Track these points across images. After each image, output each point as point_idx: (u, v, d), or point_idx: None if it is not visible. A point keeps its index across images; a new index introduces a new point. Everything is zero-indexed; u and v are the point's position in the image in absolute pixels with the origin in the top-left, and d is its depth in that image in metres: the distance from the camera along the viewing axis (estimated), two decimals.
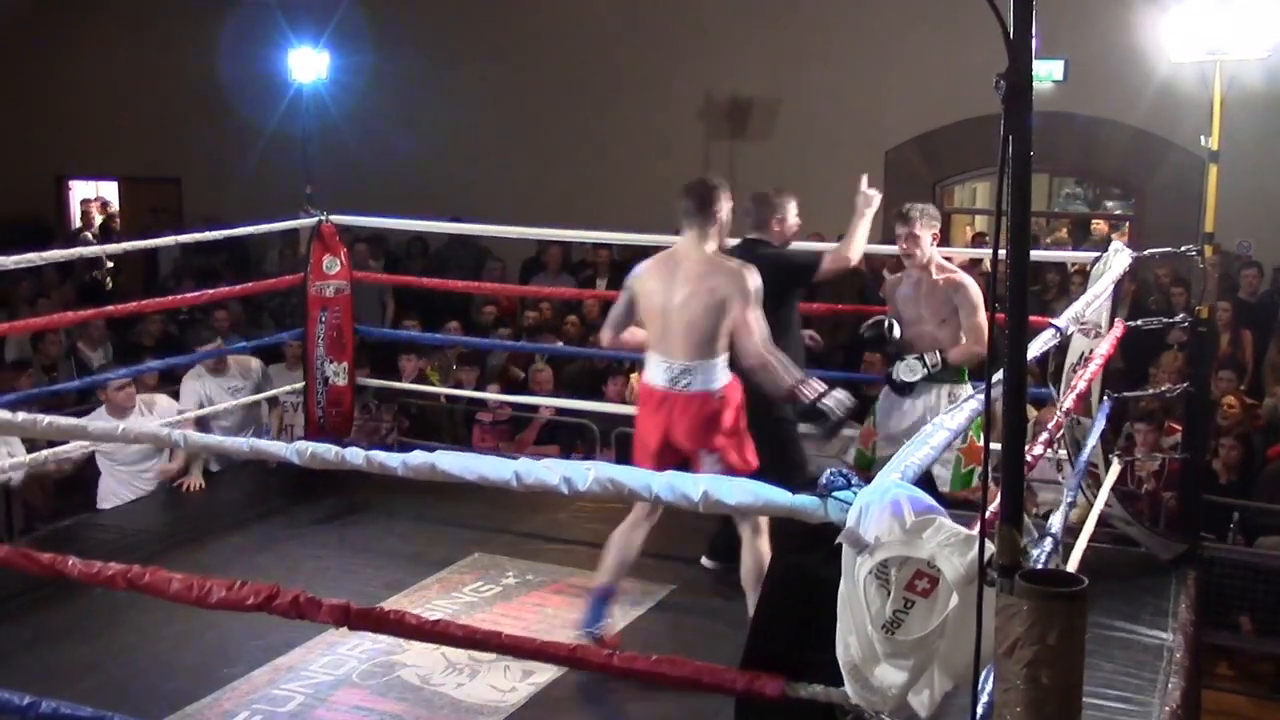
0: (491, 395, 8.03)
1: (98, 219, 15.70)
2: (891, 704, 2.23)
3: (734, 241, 5.10)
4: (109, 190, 16.03)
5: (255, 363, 7.12)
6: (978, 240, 11.16)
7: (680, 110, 12.06)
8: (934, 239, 5.20)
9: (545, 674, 4.30)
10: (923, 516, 2.21)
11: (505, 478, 2.51)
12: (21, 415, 2.88)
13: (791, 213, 5.24)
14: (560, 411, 7.73)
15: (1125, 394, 5.90)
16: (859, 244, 5.28)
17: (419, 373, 8.47)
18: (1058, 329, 3.87)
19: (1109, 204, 13.08)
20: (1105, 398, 5.33)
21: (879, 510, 2.22)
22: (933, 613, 2.18)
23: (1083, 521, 4.76)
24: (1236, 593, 6.61)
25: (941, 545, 2.17)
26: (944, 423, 2.72)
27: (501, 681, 4.31)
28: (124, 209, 15.69)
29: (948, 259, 5.36)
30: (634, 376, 7.89)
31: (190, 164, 14.38)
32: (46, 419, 2.89)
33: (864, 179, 5.38)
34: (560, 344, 8.84)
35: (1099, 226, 12.40)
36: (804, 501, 2.34)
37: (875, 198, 5.31)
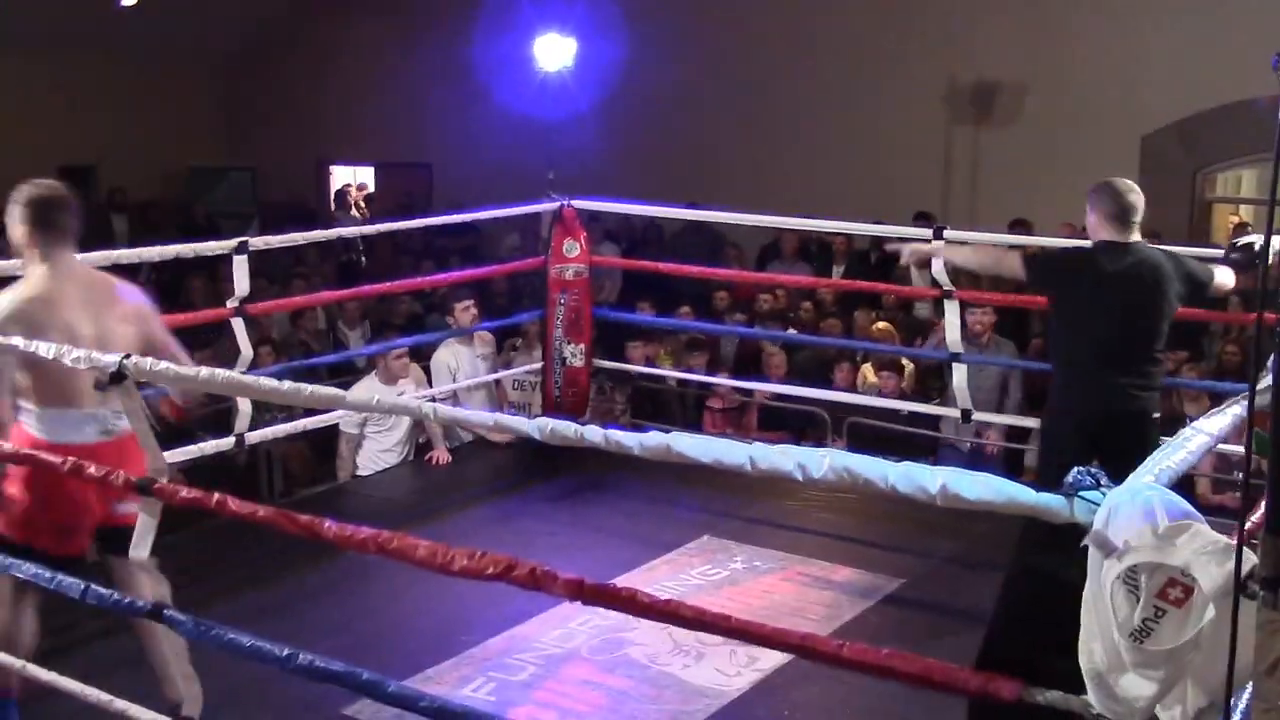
0: (721, 380, 8.06)
1: (356, 202, 16.52)
2: (1139, 716, 2.12)
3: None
4: (366, 175, 16.84)
5: (490, 336, 7.44)
6: (1239, 230, 10.45)
7: (922, 94, 11.76)
8: None
9: (771, 661, 4.30)
10: (1178, 522, 2.10)
11: (740, 461, 2.51)
12: (287, 384, 3.06)
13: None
14: (790, 399, 7.68)
15: None
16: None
17: (647, 359, 8.58)
18: None
19: None
20: None
21: (1130, 512, 2.12)
22: (1186, 624, 2.06)
23: None
24: None
25: (1198, 553, 2.05)
26: (1203, 426, 2.58)
27: (727, 665, 4.34)
28: (379, 193, 16.46)
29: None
30: (865, 367, 7.79)
31: (440, 150, 14.95)
32: (310, 388, 3.06)
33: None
34: (791, 330, 8.78)
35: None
36: (1049, 500, 2.25)
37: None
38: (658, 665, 4.38)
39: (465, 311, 7.11)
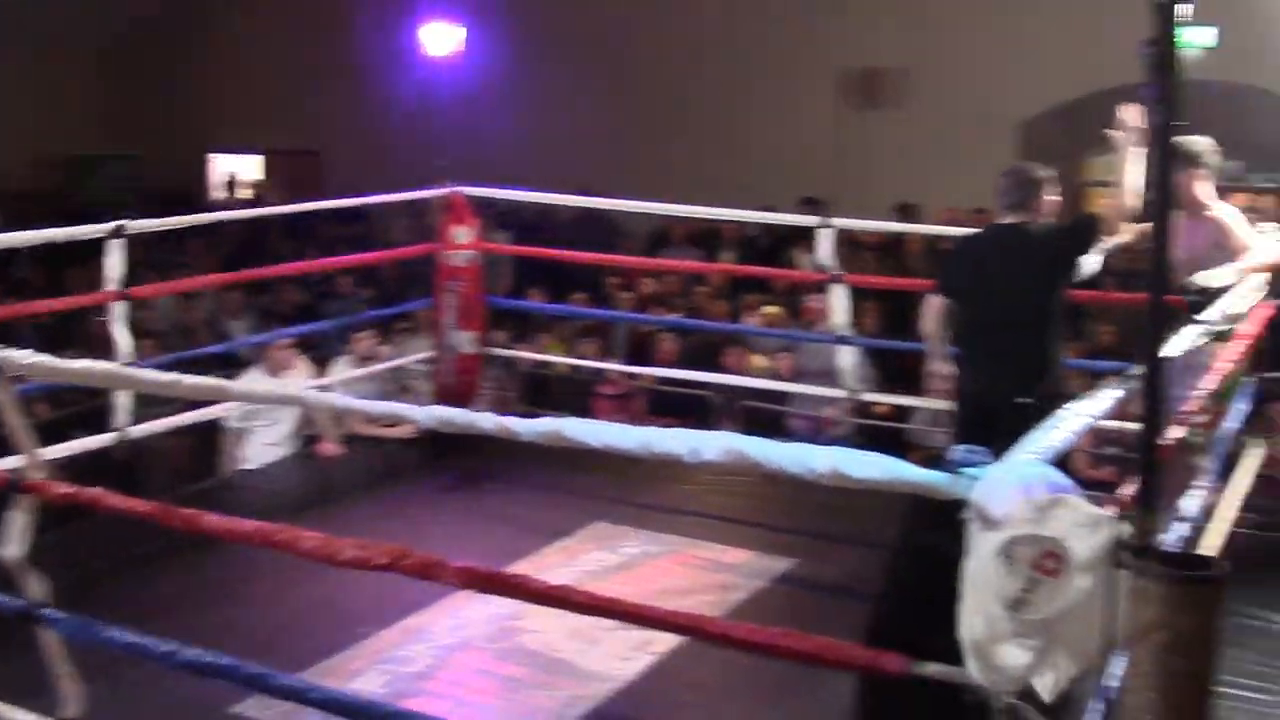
0: (613, 366, 8.08)
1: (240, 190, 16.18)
2: (1015, 685, 2.18)
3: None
4: (252, 163, 16.50)
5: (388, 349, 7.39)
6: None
7: (810, 82, 11.91)
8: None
9: (664, 644, 4.32)
10: (1054, 495, 2.16)
11: (632, 446, 2.51)
12: (170, 376, 2.99)
13: (1052, 191, 4.67)
14: (681, 383, 7.73)
15: (1268, 374, 5.67)
16: (1127, 187, 4.43)
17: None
18: (1208, 323, 3.76)
19: (1260, 176, 12.52)
20: (1248, 380, 5.13)
21: (1009, 487, 2.18)
22: (1060, 593, 2.13)
23: (1222, 506, 4.60)
24: None
25: (1073, 525, 2.11)
26: (1082, 409, 2.66)
27: (621, 650, 4.35)
28: (266, 181, 16.14)
29: None
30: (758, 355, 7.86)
31: (330, 137, 14.72)
32: (191, 379, 2.99)
33: (1129, 108, 4.46)
34: (680, 316, 8.83)
35: (1260, 202, 11.85)
36: (933, 477, 2.30)
37: (1134, 131, 4.42)
38: (552, 652, 4.38)
39: (361, 342, 6.98)
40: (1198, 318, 3.92)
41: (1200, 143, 4.72)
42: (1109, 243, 4.69)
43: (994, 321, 4.53)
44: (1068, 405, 2.82)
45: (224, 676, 2.87)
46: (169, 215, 6.28)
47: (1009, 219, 4.53)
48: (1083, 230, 4.51)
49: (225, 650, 2.93)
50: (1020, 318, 4.47)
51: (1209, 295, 4.42)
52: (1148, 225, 4.89)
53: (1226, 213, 4.85)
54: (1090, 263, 4.62)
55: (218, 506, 2.97)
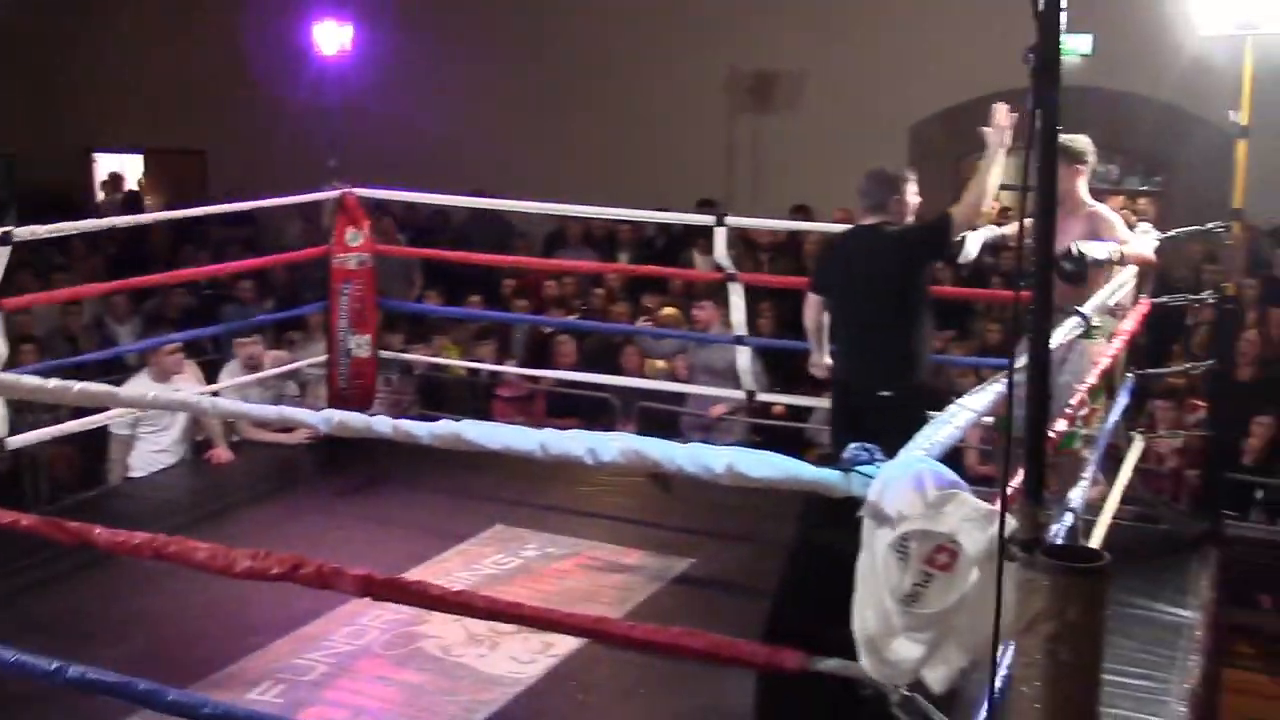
0: (511, 369, 8.05)
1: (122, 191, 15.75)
2: (906, 678, 2.23)
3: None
4: (135, 163, 16.07)
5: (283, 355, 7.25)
6: (1003, 217, 11.07)
7: (704, 84, 11.99)
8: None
9: (565, 646, 4.32)
10: (945, 491, 2.22)
11: (531, 447, 2.52)
12: (53, 382, 2.90)
13: (912, 191, 4.74)
14: (580, 385, 7.74)
15: (1148, 370, 5.87)
16: (985, 184, 4.56)
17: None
18: (1083, 316, 3.87)
19: (1136, 180, 12.95)
20: (1128, 375, 5.31)
21: (901, 484, 2.23)
22: (952, 587, 2.18)
23: (1104, 499, 4.75)
24: (1258, 571, 6.58)
25: (963, 520, 2.17)
26: (968, 402, 2.73)
27: (521, 653, 4.34)
28: (149, 182, 15.74)
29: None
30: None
31: (215, 137, 14.41)
32: (78, 386, 2.91)
33: (1000, 107, 4.60)
34: (576, 317, 8.84)
35: (1136, 206, 12.25)
36: (828, 475, 2.34)
37: (1006, 130, 4.55)
38: (452, 657, 4.35)
39: (244, 347, 6.84)
40: (1079, 309, 4.04)
41: (1079, 140, 4.86)
42: (986, 234, 4.83)
43: (857, 318, 4.71)
44: (934, 400, 2.90)
45: (112, 693, 2.79)
46: (49, 216, 6.09)
47: (870, 219, 4.68)
48: (935, 229, 4.63)
49: (115, 666, 2.86)
50: (881, 314, 4.62)
51: (1084, 265, 4.57)
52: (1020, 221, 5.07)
53: (1103, 211, 5.00)
54: (970, 251, 4.75)
55: (104, 517, 2.90)
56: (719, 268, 6.33)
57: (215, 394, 6.51)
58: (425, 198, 7.86)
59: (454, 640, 4.42)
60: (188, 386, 6.41)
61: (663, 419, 7.27)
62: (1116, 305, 4.97)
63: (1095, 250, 4.65)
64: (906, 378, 4.55)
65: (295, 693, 4.09)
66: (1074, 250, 4.57)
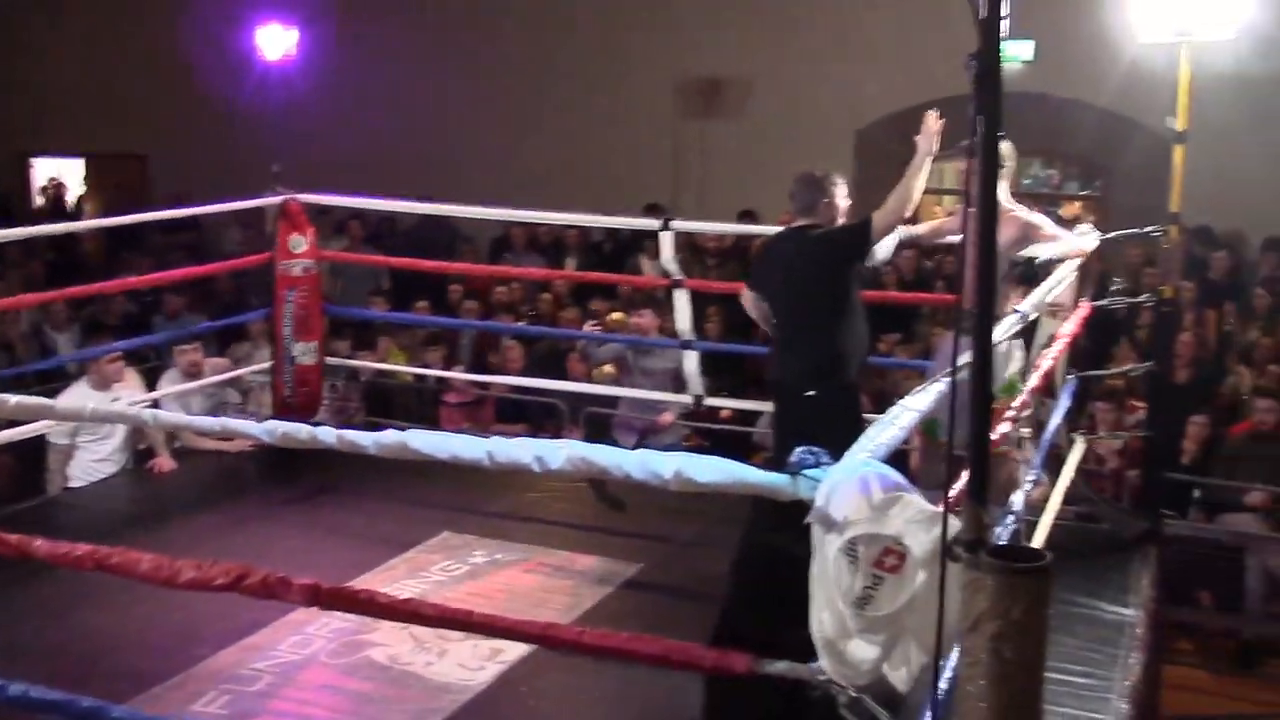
0: (459, 375, 8.01)
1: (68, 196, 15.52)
2: (866, 678, 2.25)
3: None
4: (75, 168, 15.83)
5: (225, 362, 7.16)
6: (914, 217, 11.16)
7: (652, 90, 12.02)
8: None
9: (514, 652, 4.31)
10: (890, 494, 2.24)
11: (478, 456, 2.51)
12: None
13: (841, 194, 4.76)
14: (528, 390, 7.72)
15: (1088, 373, 5.95)
16: (909, 189, 4.58)
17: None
18: (1021, 313, 3.92)
19: (1076, 184, 13.15)
20: (1069, 377, 5.38)
21: (848, 488, 2.24)
22: (902, 589, 2.20)
23: (1047, 499, 4.81)
24: (1197, 569, 6.71)
25: (909, 522, 2.19)
26: (910, 403, 2.75)
27: (470, 660, 4.32)
28: (89, 187, 15.51)
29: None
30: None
31: (157, 141, 14.23)
32: (14, 399, 2.86)
33: (930, 115, 4.67)
34: (523, 323, 8.82)
35: (1071, 208, 12.45)
36: (774, 480, 2.36)
37: (935, 137, 4.62)
38: (400, 665, 4.32)
39: (184, 356, 6.74)
40: (1018, 308, 4.09)
41: (1000, 145, 4.88)
42: (900, 233, 4.89)
43: (785, 318, 4.78)
44: (858, 399, 2.91)
45: (54, 710, 2.75)
46: None
47: (800, 221, 4.74)
48: (856, 233, 4.68)
49: (55, 682, 2.82)
50: (807, 315, 4.68)
51: (1033, 268, 4.66)
52: (943, 221, 5.17)
53: (1021, 212, 5.08)
54: (881, 253, 4.82)
55: (43, 528, 2.85)
56: (666, 273, 6.34)
57: (156, 402, 6.44)
58: (371, 203, 7.81)
59: (401, 648, 4.39)
60: (128, 394, 6.32)
61: (611, 424, 7.27)
62: (1055, 305, 5.04)
63: (1044, 251, 4.73)
64: (833, 378, 4.59)
65: (240, 704, 4.05)
66: (1021, 259, 4.67)
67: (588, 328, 7.09)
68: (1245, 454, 7.18)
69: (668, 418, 7.03)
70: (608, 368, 7.68)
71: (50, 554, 2.73)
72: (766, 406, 6.31)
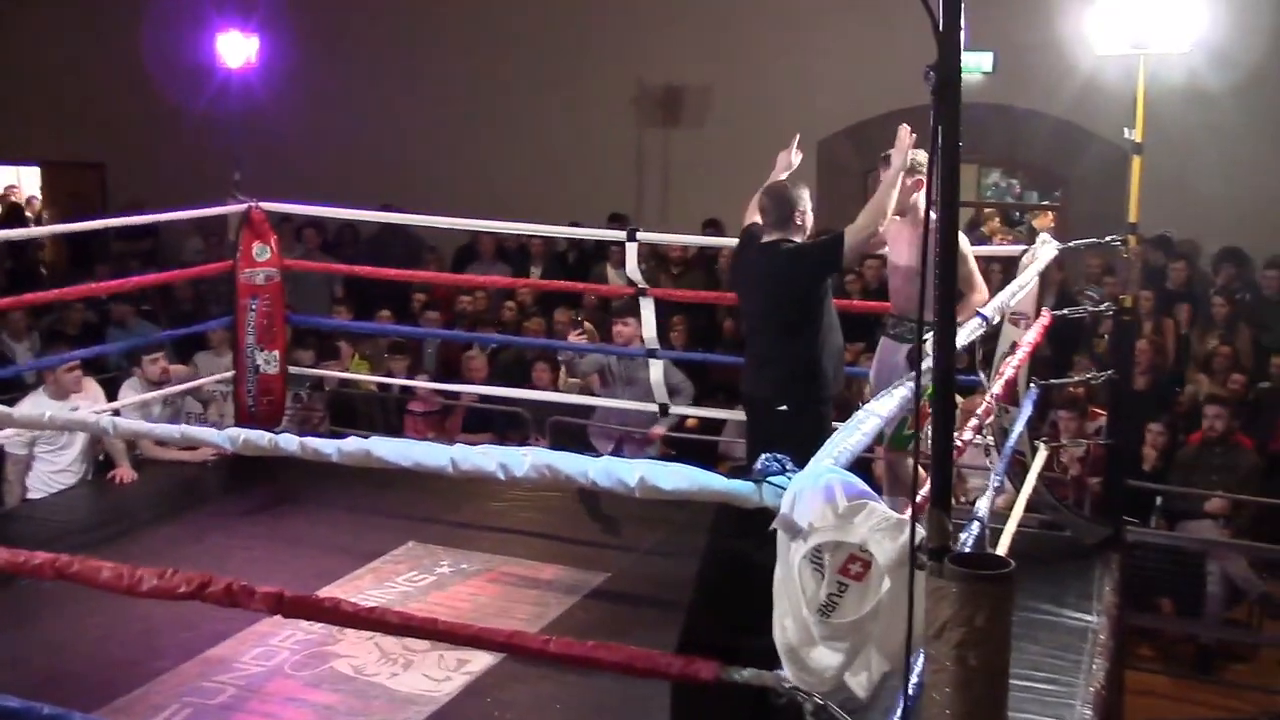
0: (423, 384, 7.98)
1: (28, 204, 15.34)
2: (829, 685, 2.26)
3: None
4: (31, 176, 15.65)
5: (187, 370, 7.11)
6: None
7: (613, 98, 12.03)
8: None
9: (480, 662, 4.30)
10: (855, 501, 2.25)
11: (442, 464, 2.50)
12: None
13: (810, 206, 4.77)
14: (493, 399, 7.70)
15: (1050, 381, 6.00)
16: (882, 204, 4.57)
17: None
18: (984, 318, 3.95)
19: (1036, 194, 13.28)
20: (1031, 385, 5.42)
21: (812, 495, 2.25)
22: (866, 596, 2.21)
23: (1010, 507, 4.85)
24: (1158, 576, 6.78)
25: (873, 530, 2.20)
26: (874, 409, 2.76)
27: (436, 671, 4.30)
28: (46, 195, 15.34)
29: None
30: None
31: (115, 149, 14.09)
32: None
33: (903, 128, 4.64)
34: (489, 332, 8.79)
35: (1044, 219, 12.54)
36: (739, 487, 2.36)
37: (909, 151, 4.59)
38: (365, 676, 4.29)
39: (154, 364, 6.70)
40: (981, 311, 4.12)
41: (920, 154, 4.85)
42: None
43: (755, 330, 4.84)
44: (830, 410, 2.90)
45: None
46: None
47: (769, 235, 4.74)
48: (829, 247, 4.71)
49: (14, 691, 2.78)
50: (779, 329, 4.69)
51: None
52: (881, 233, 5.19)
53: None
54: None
55: (2, 539, 2.81)
56: (631, 282, 6.35)
57: (116, 412, 6.37)
58: (334, 212, 7.78)
59: (366, 659, 4.37)
60: (87, 404, 6.25)
61: (577, 433, 7.26)
62: (1017, 314, 5.08)
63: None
64: (805, 392, 4.61)
65: (203, 717, 4.01)
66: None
67: (573, 337, 7.07)
68: (1200, 461, 7.27)
69: (659, 430, 7.01)
70: (589, 378, 7.68)
71: (9, 563, 2.70)
72: (733, 415, 6.33)
